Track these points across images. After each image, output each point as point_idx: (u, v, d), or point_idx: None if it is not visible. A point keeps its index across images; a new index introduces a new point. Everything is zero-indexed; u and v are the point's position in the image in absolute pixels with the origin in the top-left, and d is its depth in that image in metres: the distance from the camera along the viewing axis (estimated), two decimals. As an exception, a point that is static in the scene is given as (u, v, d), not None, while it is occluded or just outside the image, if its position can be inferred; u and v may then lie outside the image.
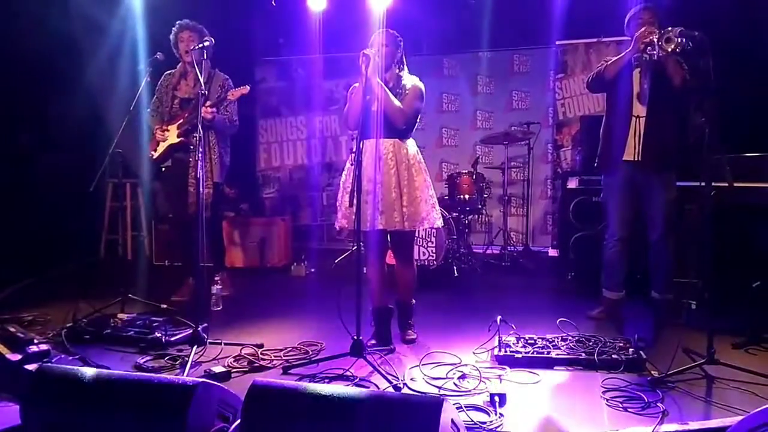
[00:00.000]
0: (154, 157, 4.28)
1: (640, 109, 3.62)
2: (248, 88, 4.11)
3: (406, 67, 3.37)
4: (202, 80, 3.47)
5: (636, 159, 3.60)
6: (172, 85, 4.30)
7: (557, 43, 6.65)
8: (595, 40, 6.57)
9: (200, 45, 3.70)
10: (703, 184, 2.89)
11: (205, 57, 4.04)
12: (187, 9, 4.39)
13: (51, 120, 5.47)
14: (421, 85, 3.32)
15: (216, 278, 4.34)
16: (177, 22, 4.22)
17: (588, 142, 5.32)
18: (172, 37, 4.23)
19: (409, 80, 3.32)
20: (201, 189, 3.30)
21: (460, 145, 7.26)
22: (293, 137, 7.79)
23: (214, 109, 4.08)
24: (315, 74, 7.52)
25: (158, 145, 4.26)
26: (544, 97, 6.93)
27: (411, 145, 3.33)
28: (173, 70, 4.33)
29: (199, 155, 3.31)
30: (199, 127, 3.30)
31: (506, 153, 6.15)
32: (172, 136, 4.22)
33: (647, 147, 3.57)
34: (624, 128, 3.64)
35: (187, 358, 2.94)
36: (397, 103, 3.19)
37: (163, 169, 4.32)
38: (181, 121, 4.19)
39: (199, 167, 3.29)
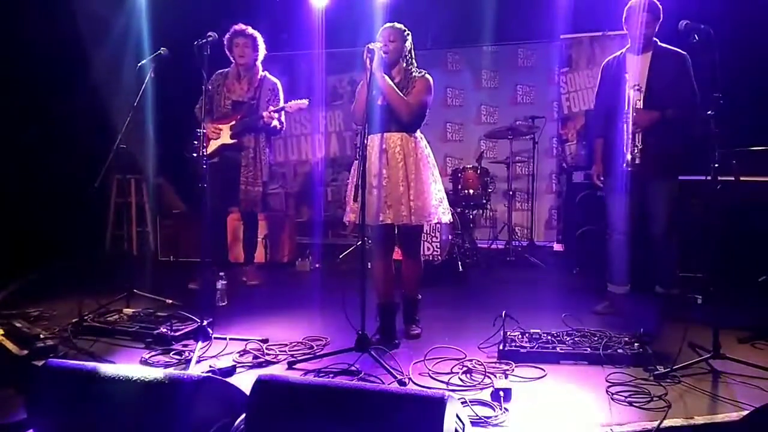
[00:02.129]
0: (206, 154, 4.33)
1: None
2: (307, 102, 4.41)
3: (414, 62, 3.35)
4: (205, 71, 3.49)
5: (637, 163, 3.56)
6: (225, 87, 4.46)
7: (562, 36, 6.63)
8: (600, 33, 6.54)
9: (205, 40, 3.72)
10: (709, 178, 2.87)
11: (258, 61, 4.46)
12: (191, 5, 4.40)
13: (56, 115, 5.47)
14: (430, 79, 3.30)
15: (221, 273, 4.34)
16: (233, 27, 4.36)
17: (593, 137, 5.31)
18: (226, 41, 4.34)
19: (418, 74, 3.30)
20: (204, 184, 3.32)
21: (464, 140, 7.25)
22: (297, 132, 7.79)
23: (277, 115, 4.34)
24: (318, 69, 7.51)
25: (209, 143, 4.40)
26: (549, 92, 6.91)
27: (420, 139, 3.32)
28: (225, 70, 4.48)
29: (203, 150, 3.33)
30: (202, 124, 3.33)
31: (511, 147, 6.13)
32: (225, 135, 4.40)
33: (648, 153, 3.52)
34: (620, 133, 3.60)
35: (192, 353, 2.95)
36: (402, 97, 3.17)
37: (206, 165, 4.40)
38: (234, 122, 4.37)
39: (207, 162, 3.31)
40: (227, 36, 4.37)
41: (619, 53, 3.78)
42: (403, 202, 3.19)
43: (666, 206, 3.64)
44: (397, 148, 3.23)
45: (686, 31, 3.10)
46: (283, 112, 4.45)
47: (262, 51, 4.47)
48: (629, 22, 3.64)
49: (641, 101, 3.52)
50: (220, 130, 4.41)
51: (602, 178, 3.81)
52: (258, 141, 4.46)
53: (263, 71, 4.54)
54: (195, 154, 4.34)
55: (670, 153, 3.55)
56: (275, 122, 4.43)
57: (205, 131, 4.31)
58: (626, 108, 3.53)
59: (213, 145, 4.43)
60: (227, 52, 4.41)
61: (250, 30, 4.41)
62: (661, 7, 3.58)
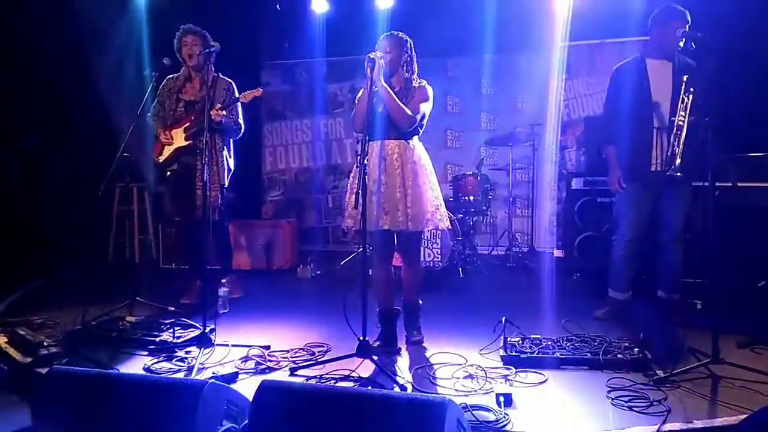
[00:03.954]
0: (161, 161, 4.30)
1: (659, 121, 3.60)
2: (261, 90, 4.16)
3: (415, 70, 3.37)
4: (209, 83, 3.50)
5: (661, 170, 3.55)
6: (176, 89, 4.29)
7: (561, 44, 6.66)
8: (599, 41, 6.58)
9: (207, 50, 3.73)
10: (707, 184, 2.90)
11: (210, 61, 4.09)
12: (193, 13, 4.43)
13: (59, 124, 5.52)
14: (429, 89, 3.33)
15: (223, 281, 4.36)
16: (180, 27, 4.24)
17: (593, 143, 5.33)
18: (175, 42, 4.23)
19: (417, 84, 3.33)
20: (207, 192, 3.33)
21: (464, 147, 7.27)
22: (298, 140, 7.82)
23: (224, 113, 4.09)
24: (319, 77, 7.55)
25: (163, 149, 4.27)
26: (549, 99, 6.93)
27: (418, 146, 3.35)
28: (176, 75, 4.34)
29: (206, 159, 3.33)
30: (206, 131, 3.33)
31: (511, 154, 6.16)
32: (179, 139, 4.22)
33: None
34: (648, 140, 3.61)
35: (195, 360, 2.96)
36: (402, 106, 3.20)
37: (169, 173, 4.34)
38: (188, 124, 4.19)
39: (205, 170, 3.31)
40: (176, 36, 4.21)
41: (630, 58, 3.76)
42: (399, 208, 3.21)
43: (683, 212, 3.66)
44: (395, 155, 3.25)
45: (684, 38, 3.13)
46: (237, 109, 4.25)
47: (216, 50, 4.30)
48: (661, 28, 3.58)
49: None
50: (173, 134, 4.22)
51: (624, 185, 3.72)
52: (214, 142, 4.16)
53: (215, 72, 4.24)
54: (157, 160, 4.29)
55: (692, 159, 3.56)
56: (226, 120, 4.13)
57: (158, 138, 4.26)
58: (680, 113, 3.47)
59: (168, 151, 4.25)
60: (177, 54, 4.23)
61: (199, 28, 4.21)
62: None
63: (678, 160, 3.43)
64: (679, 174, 3.43)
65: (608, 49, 6.49)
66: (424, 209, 3.24)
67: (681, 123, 3.46)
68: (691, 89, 3.44)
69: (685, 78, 3.48)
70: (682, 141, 3.44)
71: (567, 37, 6.54)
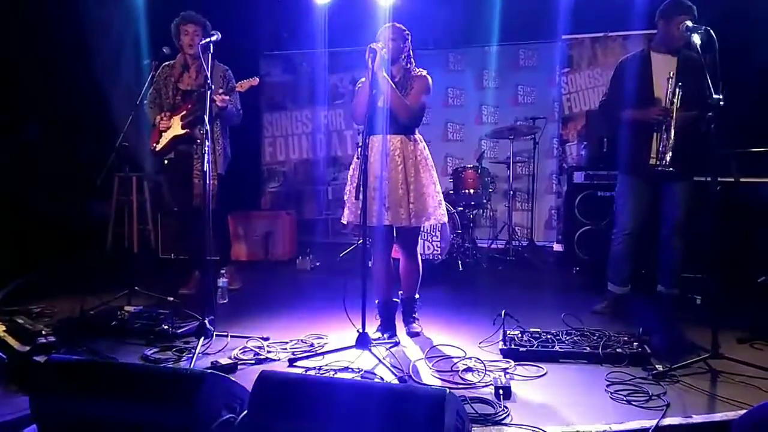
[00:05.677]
0: (157, 149, 4.26)
1: None
2: (257, 79, 4.12)
3: (413, 61, 3.37)
4: (208, 73, 3.47)
5: (668, 163, 3.52)
6: (173, 77, 4.25)
7: (563, 37, 6.64)
8: (601, 34, 6.56)
9: (208, 39, 3.69)
10: (709, 179, 2.88)
11: (210, 51, 4.05)
12: (193, 2, 4.40)
13: (58, 114, 5.49)
14: (429, 79, 3.32)
15: (222, 271, 4.35)
16: (180, 13, 4.21)
17: (594, 137, 5.32)
18: (173, 28, 4.19)
19: (417, 74, 3.32)
20: (208, 181, 3.31)
21: (465, 140, 7.25)
22: (298, 131, 7.80)
23: (227, 98, 4.05)
24: (320, 68, 7.52)
25: (160, 137, 4.23)
26: (550, 92, 6.91)
27: (418, 140, 3.34)
28: (172, 62, 4.29)
29: (207, 147, 3.31)
30: (206, 119, 3.30)
31: (511, 148, 6.15)
32: (176, 127, 4.18)
33: (677, 153, 3.45)
34: (647, 134, 3.60)
35: (193, 351, 2.96)
36: (402, 99, 3.19)
37: (166, 161, 4.31)
38: (185, 112, 4.15)
39: (204, 160, 3.29)
40: (174, 22, 4.18)
41: (636, 52, 3.74)
42: (402, 204, 3.20)
43: (683, 207, 3.65)
44: (396, 151, 3.24)
45: (688, 32, 3.11)
46: (236, 94, 4.21)
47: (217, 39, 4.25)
48: (665, 21, 3.56)
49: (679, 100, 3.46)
50: (170, 120, 4.18)
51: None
52: (213, 130, 4.07)
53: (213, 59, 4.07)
54: (153, 148, 4.27)
55: (693, 154, 3.54)
56: (230, 106, 4.12)
57: (156, 126, 4.22)
58: (668, 106, 3.47)
59: (164, 139, 4.20)
60: (174, 39, 4.19)
61: (199, 16, 4.18)
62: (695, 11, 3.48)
63: (669, 155, 3.43)
64: (671, 169, 3.43)
65: (611, 42, 6.46)
66: (427, 205, 3.25)
67: (670, 118, 3.46)
68: (680, 83, 3.44)
69: (670, 74, 3.48)
70: (672, 135, 3.43)
71: (569, 30, 6.52)
